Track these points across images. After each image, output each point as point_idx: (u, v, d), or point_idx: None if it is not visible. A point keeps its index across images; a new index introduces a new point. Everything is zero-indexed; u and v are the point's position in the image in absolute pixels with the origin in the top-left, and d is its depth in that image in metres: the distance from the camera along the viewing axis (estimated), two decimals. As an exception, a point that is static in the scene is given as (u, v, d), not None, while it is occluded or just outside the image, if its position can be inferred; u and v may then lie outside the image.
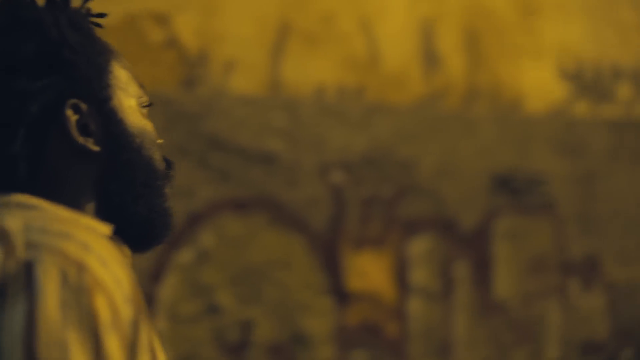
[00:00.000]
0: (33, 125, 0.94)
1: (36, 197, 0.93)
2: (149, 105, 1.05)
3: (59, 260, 0.82)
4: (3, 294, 0.79)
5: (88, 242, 0.87)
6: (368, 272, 3.48)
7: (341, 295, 3.40)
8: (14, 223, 0.86)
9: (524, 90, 3.96)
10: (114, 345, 0.82)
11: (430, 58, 3.76)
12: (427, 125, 3.65)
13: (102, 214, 0.98)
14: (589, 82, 4.14)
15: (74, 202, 0.96)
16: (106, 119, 0.98)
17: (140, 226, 1.00)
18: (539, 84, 4.01)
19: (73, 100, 0.96)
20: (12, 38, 0.95)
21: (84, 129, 0.97)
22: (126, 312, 0.85)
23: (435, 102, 3.73)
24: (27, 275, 0.80)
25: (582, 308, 3.92)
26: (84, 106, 0.97)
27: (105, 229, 0.96)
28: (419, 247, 3.57)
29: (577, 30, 4.17)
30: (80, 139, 0.96)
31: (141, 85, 1.05)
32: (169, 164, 1.05)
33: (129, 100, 1.01)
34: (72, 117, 0.96)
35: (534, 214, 3.87)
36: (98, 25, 1.04)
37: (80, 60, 0.97)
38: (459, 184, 3.67)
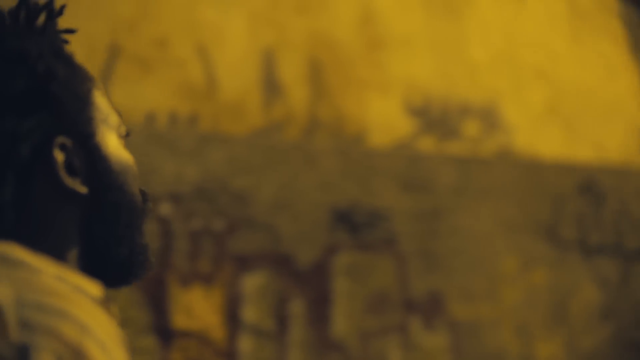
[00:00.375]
0: (22, 168, 0.87)
1: (20, 246, 0.84)
2: (127, 134, 1.00)
3: (57, 346, 0.74)
4: None
5: (85, 322, 0.78)
6: (196, 309, 3.31)
7: (166, 333, 3.22)
8: (4, 294, 0.76)
9: (368, 124, 3.89)
10: None
11: (270, 87, 3.66)
12: (264, 156, 3.53)
13: (85, 258, 0.93)
14: (435, 118, 4.11)
15: (58, 249, 0.90)
16: (90, 155, 0.93)
17: (121, 266, 0.95)
18: (383, 118, 3.95)
19: (60, 139, 0.90)
20: None
21: (70, 169, 0.91)
22: None
23: (274, 133, 3.61)
24: None
25: (424, 346, 3.84)
26: (69, 143, 0.91)
27: (95, 290, 0.88)
28: (252, 283, 3.42)
29: (425, 65, 4.14)
30: (69, 181, 0.90)
31: (119, 113, 0.99)
32: (144, 195, 0.99)
33: (111, 134, 0.96)
34: (60, 156, 0.90)
35: (375, 250, 3.78)
36: (66, 41, 0.98)
37: (66, 94, 0.92)
38: (296, 218, 3.55)
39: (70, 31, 0.98)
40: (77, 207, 0.92)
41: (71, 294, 0.83)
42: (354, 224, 3.73)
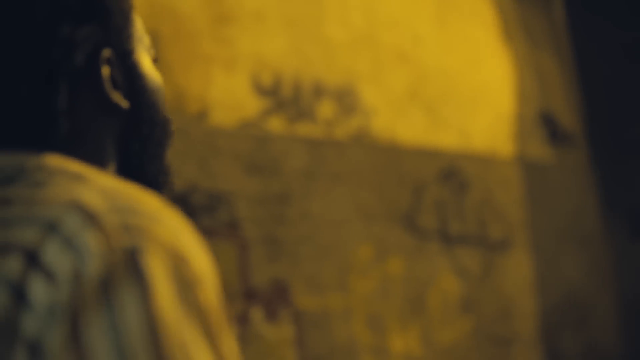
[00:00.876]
0: (73, 77, 0.85)
1: (72, 160, 0.81)
2: (156, 60, 1.00)
3: (161, 250, 0.70)
4: (109, 288, 0.66)
5: (177, 228, 0.73)
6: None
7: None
8: (97, 201, 0.71)
9: (211, 102, 3.65)
10: (226, 344, 0.73)
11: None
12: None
13: (119, 173, 0.92)
14: (286, 98, 3.89)
15: (100, 162, 0.89)
16: (130, 72, 0.92)
17: (150, 184, 0.94)
18: (228, 96, 3.71)
19: (107, 51, 0.88)
20: None
21: (113, 82, 0.90)
22: (220, 303, 0.74)
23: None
24: (133, 266, 0.67)
25: (266, 338, 3.61)
26: (113, 57, 0.90)
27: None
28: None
29: (277, 42, 3.92)
30: (114, 94, 0.89)
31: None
32: (169, 120, 1.00)
33: (145, 53, 0.96)
34: (106, 69, 0.89)
35: (215, 236, 3.54)
36: None
37: (116, 8, 0.91)
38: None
39: None
40: (117, 122, 0.92)
41: (152, 201, 0.76)
42: (191, 207, 3.48)
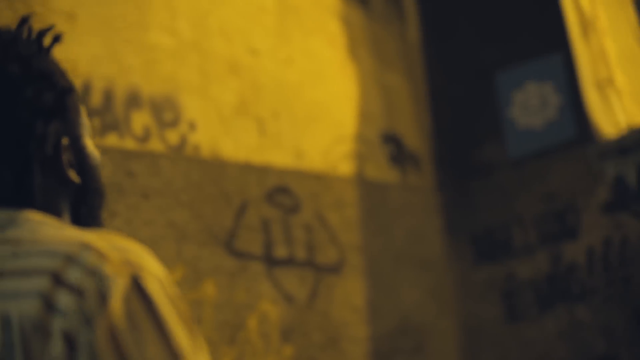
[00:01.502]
0: (44, 162, 1.13)
1: (47, 216, 1.12)
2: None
3: (152, 277, 1.02)
4: (130, 303, 0.95)
5: (150, 259, 1.06)
6: None
7: None
8: (100, 242, 1.01)
9: None
10: (199, 340, 1.05)
11: None
12: None
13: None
14: (95, 107, 3.61)
15: (61, 221, 1.16)
16: (79, 153, 1.20)
17: None
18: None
19: (66, 139, 1.16)
20: (34, 88, 1.12)
21: (69, 163, 1.17)
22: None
23: None
24: (139, 290, 0.98)
25: None
26: (68, 143, 1.17)
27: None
28: None
29: (88, 46, 3.64)
30: (70, 173, 1.17)
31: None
32: (104, 189, 1.29)
33: (88, 137, 1.23)
34: (65, 154, 1.16)
35: None
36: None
37: (71, 104, 1.19)
38: None
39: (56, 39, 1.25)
40: (69, 194, 1.19)
41: (128, 241, 1.08)
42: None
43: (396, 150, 5.04)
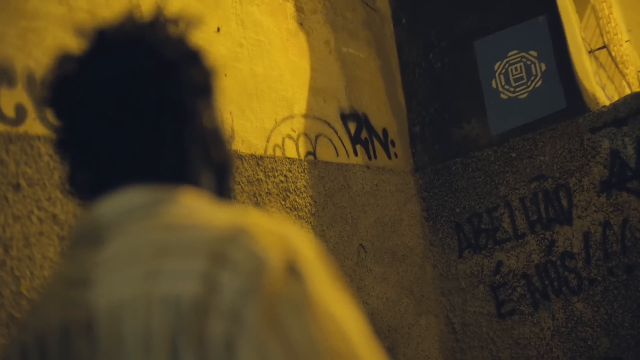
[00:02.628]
0: (197, 138, 1.18)
1: (200, 193, 1.14)
2: None
3: (304, 260, 1.01)
4: (290, 280, 0.97)
5: (300, 238, 1.04)
6: None
7: None
8: (257, 224, 1.01)
9: None
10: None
11: None
12: None
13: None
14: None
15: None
16: (216, 131, 1.24)
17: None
18: None
19: (210, 117, 1.23)
20: (189, 69, 1.18)
21: (212, 140, 1.23)
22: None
23: None
24: (296, 272, 0.98)
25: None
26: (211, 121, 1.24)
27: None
28: None
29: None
30: (214, 150, 1.22)
31: None
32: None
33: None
34: (210, 132, 1.21)
35: None
36: None
37: (214, 83, 1.27)
38: None
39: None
40: (212, 170, 1.23)
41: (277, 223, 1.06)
42: None
43: (360, 128, 4.48)
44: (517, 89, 4.73)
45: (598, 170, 4.27)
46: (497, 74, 4.80)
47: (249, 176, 3.64)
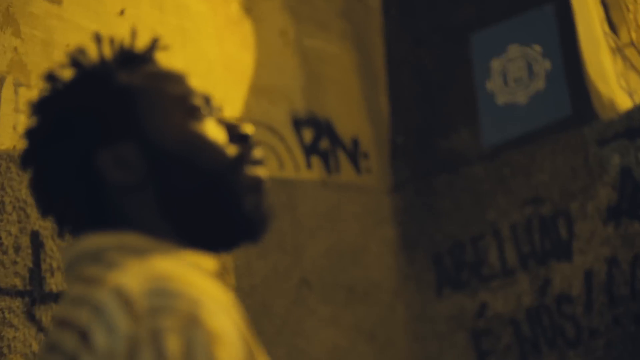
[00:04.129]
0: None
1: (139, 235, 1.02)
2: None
3: (177, 323, 0.88)
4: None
5: (198, 297, 0.91)
6: None
7: None
8: (134, 285, 0.91)
9: None
10: None
11: None
12: None
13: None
14: None
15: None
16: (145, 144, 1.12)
17: (214, 234, 1.08)
18: None
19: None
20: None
21: None
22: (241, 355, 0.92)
23: None
24: (156, 343, 0.87)
25: None
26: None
27: (210, 263, 1.03)
28: None
29: None
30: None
31: None
32: None
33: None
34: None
35: None
36: None
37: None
38: None
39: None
40: (147, 195, 1.09)
41: (187, 273, 0.95)
42: None
43: (320, 137, 3.74)
44: (515, 92, 3.92)
45: (605, 192, 3.47)
46: (493, 73, 4.00)
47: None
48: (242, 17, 3.68)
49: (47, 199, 1.07)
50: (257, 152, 1.09)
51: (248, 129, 1.09)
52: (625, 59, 4.53)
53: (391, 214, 3.96)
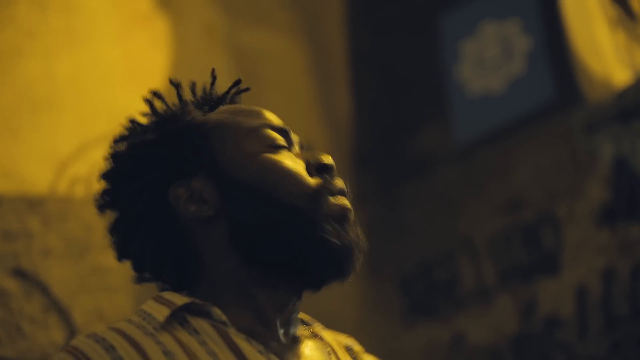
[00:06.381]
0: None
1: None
2: None
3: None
4: None
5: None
6: None
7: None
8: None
9: None
10: None
11: None
12: None
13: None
14: None
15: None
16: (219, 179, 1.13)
17: (301, 266, 1.06)
18: None
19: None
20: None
21: None
22: None
23: None
24: None
25: None
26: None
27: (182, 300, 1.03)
28: None
29: None
30: None
31: None
32: None
33: None
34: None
35: None
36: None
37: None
38: None
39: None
40: (218, 230, 1.09)
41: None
42: None
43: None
44: (490, 76, 3.32)
45: (597, 191, 2.86)
46: (464, 57, 3.40)
47: (6, 229, 2.45)
48: (156, 11, 3.16)
49: (124, 240, 1.08)
50: (339, 182, 1.08)
51: (327, 159, 1.08)
52: (631, 30, 3.87)
53: (351, 231, 3.37)
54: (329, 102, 3.62)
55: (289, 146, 1.09)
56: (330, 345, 1.16)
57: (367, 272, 3.32)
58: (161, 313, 1.00)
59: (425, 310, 3.16)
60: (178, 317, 1.02)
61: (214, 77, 1.17)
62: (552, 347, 2.85)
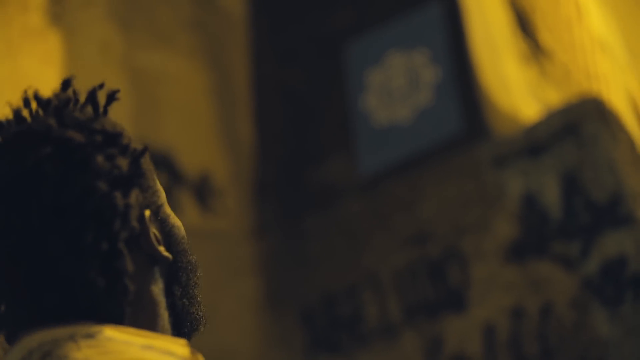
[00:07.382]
0: (130, 240, 0.93)
1: (114, 324, 0.89)
2: None
3: None
4: None
5: None
6: None
7: None
8: None
9: None
10: None
11: None
12: None
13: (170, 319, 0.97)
14: None
15: (153, 316, 0.93)
16: (163, 225, 0.98)
17: (192, 323, 0.98)
18: None
19: (147, 211, 0.96)
20: (105, 155, 0.94)
21: (156, 238, 0.97)
22: None
23: None
24: None
25: None
26: (152, 215, 0.97)
27: (182, 349, 0.90)
28: None
29: None
30: (161, 250, 0.96)
31: None
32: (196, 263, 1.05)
33: (167, 204, 1.02)
34: (152, 228, 0.96)
35: None
36: None
37: (146, 167, 0.99)
38: None
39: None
40: (162, 273, 0.96)
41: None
42: None
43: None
44: (396, 107, 3.23)
45: (505, 226, 2.79)
46: (370, 87, 3.30)
47: None
48: (48, 28, 2.96)
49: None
50: None
51: None
52: (543, 66, 3.86)
53: (251, 263, 3.22)
54: (231, 127, 3.47)
55: None
56: None
57: (268, 304, 3.18)
58: None
59: (328, 345, 3.03)
60: None
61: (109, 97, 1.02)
62: (459, 388, 2.76)
